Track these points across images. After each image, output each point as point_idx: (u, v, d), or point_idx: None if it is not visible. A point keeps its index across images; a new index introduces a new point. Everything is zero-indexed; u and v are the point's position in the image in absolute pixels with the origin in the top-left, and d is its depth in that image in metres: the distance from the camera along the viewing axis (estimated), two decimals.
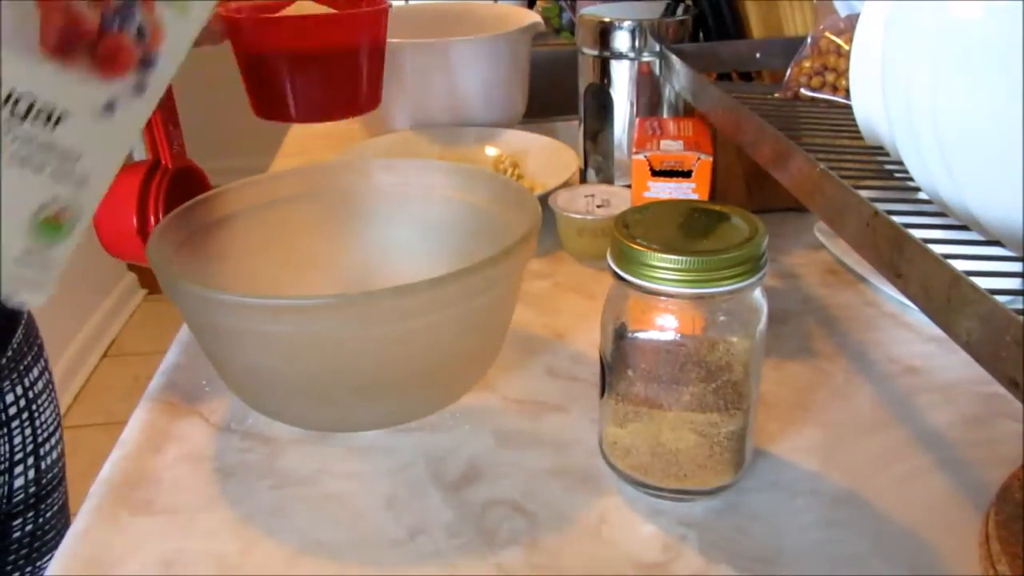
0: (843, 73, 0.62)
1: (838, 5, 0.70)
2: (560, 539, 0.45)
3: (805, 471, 0.49)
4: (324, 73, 0.53)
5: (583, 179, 0.85)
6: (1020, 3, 0.32)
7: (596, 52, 0.78)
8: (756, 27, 0.78)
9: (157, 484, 0.49)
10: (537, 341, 0.62)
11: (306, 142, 1.07)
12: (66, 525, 0.71)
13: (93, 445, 2.07)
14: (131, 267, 2.53)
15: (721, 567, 0.43)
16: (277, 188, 0.61)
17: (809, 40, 0.67)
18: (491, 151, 0.91)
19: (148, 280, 2.55)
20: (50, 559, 0.65)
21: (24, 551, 0.68)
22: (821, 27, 0.67)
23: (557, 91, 1.18)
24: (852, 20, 0.65)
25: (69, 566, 0.44)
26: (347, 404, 0.51)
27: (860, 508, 0.46)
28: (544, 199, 0.73)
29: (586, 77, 0.81)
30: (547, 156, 0.87)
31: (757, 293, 0.44)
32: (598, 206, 0.73)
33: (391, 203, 0.63)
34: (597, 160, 0.84)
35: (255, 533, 0.46)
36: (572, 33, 1.48)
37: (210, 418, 0.55)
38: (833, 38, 0.65)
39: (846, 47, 0.63)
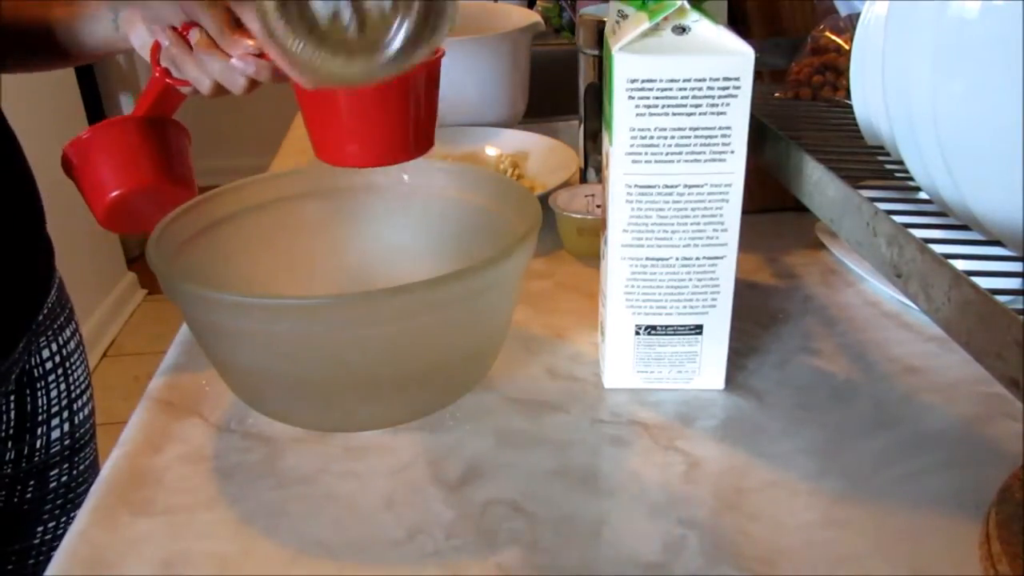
0: (843, 73, 0.62)
1: (838, 5, 0.70)
2: (560, 539, 0.45)
3: (805, 471, 0.49)
4: (387, 115, 0.53)
5: (583, 179, 0.85)
6: (1019, 2, 0.33)
7: (596, 52, 0.78)
8: (756, 27, 0.79)
9: (157, 484, 0.49)
10: (537, 341, 0.62)
11: (306, 142, 1.06)
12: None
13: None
14: (131, 266, 2.54)
15: (721, 567, 0.43)
16: (277, 188, 0.61)
17: (809, 40, 0.67)
18: (491, 151, 0.91)
19: (148, 280, 2.55)
20: None
21: (59, 501, 0.73)
22: (821, 27, 0.67)
23: (557, 91, 1.18)
24: (852, 20, 0.65)
25: (69, 566, 0.44)
26: (347, 404, 0.51)
27: (860, 508, 0.46)
28: (544, 199, 0.73)
29: (586, 77, 0.81)
30: (547, 156, 0.87)
31: None
32: (598, 206, 0.73)
33: (391, 203, 0.63)
34: (597, 160, 0.84)
35: (255, 533, 0.46)
36: (572, 33, 1.48)
37: (210, 418, 0.55)
38: (833, 38, 0.65)
39: (846, 47, 0.63)
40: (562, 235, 0.74)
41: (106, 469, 0.51)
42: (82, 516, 0.47)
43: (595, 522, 0.46)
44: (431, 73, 0.53)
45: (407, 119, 0.53)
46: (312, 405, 0.51)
